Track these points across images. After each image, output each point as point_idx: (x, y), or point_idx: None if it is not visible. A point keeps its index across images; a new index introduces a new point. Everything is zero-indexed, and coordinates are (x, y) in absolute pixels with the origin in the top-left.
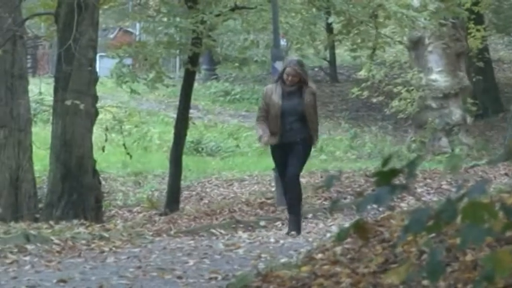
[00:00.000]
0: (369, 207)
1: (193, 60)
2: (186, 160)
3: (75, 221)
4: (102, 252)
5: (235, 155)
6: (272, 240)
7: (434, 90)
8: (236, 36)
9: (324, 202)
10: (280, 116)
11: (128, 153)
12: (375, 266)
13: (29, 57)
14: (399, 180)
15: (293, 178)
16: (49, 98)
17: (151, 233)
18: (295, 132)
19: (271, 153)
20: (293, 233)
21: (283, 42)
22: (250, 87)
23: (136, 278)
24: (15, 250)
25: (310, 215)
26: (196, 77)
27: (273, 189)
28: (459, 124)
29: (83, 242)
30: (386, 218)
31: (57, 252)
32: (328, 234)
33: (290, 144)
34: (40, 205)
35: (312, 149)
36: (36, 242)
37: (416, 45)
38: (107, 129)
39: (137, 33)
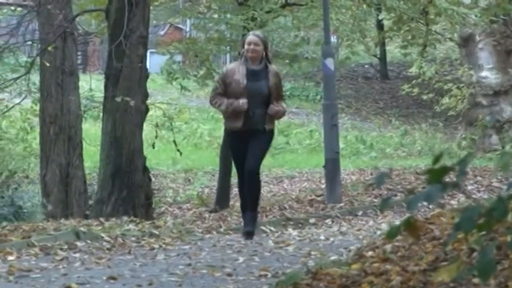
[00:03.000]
0: (419, 204)
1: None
2: None
3: (125, 218)
4: (152, 249)
5: (285, 151)
6: (322, 237)
7: (485, 87)
8: (286, 33)
9: (374, 200)
10: (246, 98)
11: (178, 150)
12: (425, 264)
13: (79, 53)
14: (450, 177)
15: (253, 172)
16: (99, 95)
17: (201, 230)
18: (259, 118)
19: (229, 142)
20: (249, 230)
21: (333, 39)
22: (300, 84)
23: (186, 275)
24: (65, 247)
25: (360, 213)
26: None
27: (323, 186)
28: (510, 121)
29: (133, 239)
30: (436, 216)
31: (107, 249)
32: (378, 232)
33: (252, 133)
34: (90, 202)
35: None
36: (86, 239)
37: (466, 42)
38: (157, 125)
39: (188, 29)
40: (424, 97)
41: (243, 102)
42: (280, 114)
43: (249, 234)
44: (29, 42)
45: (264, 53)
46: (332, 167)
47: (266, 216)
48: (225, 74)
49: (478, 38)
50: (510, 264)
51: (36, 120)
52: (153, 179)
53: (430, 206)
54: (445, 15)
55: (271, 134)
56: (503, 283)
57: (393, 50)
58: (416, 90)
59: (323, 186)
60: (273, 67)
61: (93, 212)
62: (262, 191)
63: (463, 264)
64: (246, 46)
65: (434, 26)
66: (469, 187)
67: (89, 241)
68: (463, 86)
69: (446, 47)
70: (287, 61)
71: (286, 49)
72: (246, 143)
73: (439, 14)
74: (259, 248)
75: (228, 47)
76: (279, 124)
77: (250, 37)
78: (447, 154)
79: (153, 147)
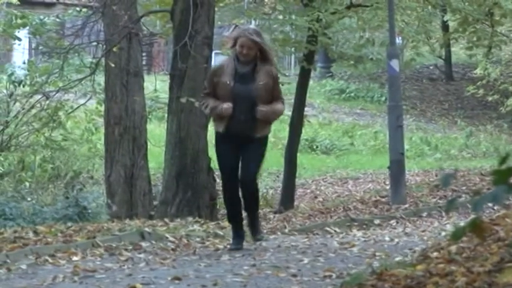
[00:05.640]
0: (484, 206)
1: (308, 58)
2: (301, 158)
3: (190, 219)
4: (217, 250)
5: (350, 153)
6: (387, 238)
7: None
8: (351, 34)
9: (438, 201)
10: (232, 101)
11: None
12: (490, 265)
13: (144, 54)
14: None
15: (248, 182)
16: (164, 96)
17: (266, 231)
18: (247, 124)
19: (215, 146)
20: (237, 247)
21: (398, 40)
22: (365, 85)
23: (251, 276)
24: (130, 247)
25: (424, 214)
26: (312, 74)
27: (388, 187)
28: None
29: (198, 239)
30: (501, 217)
31: (172, 249)
32: (443, 233)
33: (242, 140)
34: (155, 202)
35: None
36: (151, 239)
37: None
38: None
39: None
40: (489, 98)
41: (226, 107)
42: (270, 115)
43: (237, 250)
44: (94, 43)
45: (260, 55)
46: (397, 168)
47: (331, 217)
48: (213, 72)
49: None
50: None
51: (101, 121)
52: (217, 180)
53: (495, 207)
54: (511, 17)
55: (265, 140)
56: None
57: (458, 51)
58: (481, 91)
59: (387, 187)
60: (265, 66)
61: (157, 212)
62: (326, 192)
63: None
64: (238, 48)
65: (499, 27)
66: None
67: (153, 241)
68: None
69: (511, 49)
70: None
71: (351, 50)
72: (233, 149)
73: (505, 15)
74: (324, 248)
75: (293, 48)
76: (343, 125)
77: (244, 40)
78: None
79: None
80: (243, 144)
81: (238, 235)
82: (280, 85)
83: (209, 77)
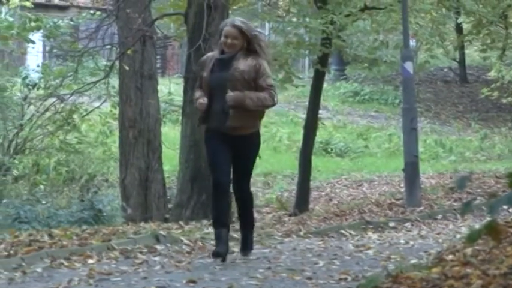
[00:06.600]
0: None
1: (322, 60)
2: (315, 161)
3: (205, 222)
4: (232, 252)
5: (364, 155)
6: (402, 241)
7: None
8: (365, 37)
9: (453, 203)
10: (209, 93)
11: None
12: (505, 268)
13: (158, 57)
14: None
15: (244, 199)
16: (178, 98)
17: (280, 234)
18: (225, 115)
19: (205, 142)
20: (220, 250)
21: (412, 42)
22: (379, 88)
23: (266, 278)
24: (145, 250)
25: (440, 216)
26: (326, 77)
27: (403, 190)
28: None
29: (213, 242)
30: None
31: (187, 252)
32: (458, 236)
33: (229, 137)
34: (169, 205)
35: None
36: (166, 242)
37: None
38: None
39: (266, 33)
40: (504, 101)
41: (201, 101)
42: (242, 100)
43: (218, 255)
44: (108, 46)
45: (247, 46)
46: (411, 170)
47: (346, 219)
48: (199, 65)
49: None
50: None
51: (115, 124)
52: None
53: (510, 210)
54: None
55: (256, 139)
56: None
57: (472, 53)
58: (495, 93)
59: (402, 189)
60: (250, 56)
61: (172, 215)
62: (341, 195)
63: None
64: (222, 38)
65: None
66: None
67: (168, 244)
68: None
69: None
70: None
71: (365, 53)
72: (224, 143)
73: None
74: (339, 251)
75: (307, 51)
76: (358, 127)
77: (228, 28)
78: None
79: None
80: (233, 145)
81: (222, 241)
82: (295, 87)
83: (199, 70)
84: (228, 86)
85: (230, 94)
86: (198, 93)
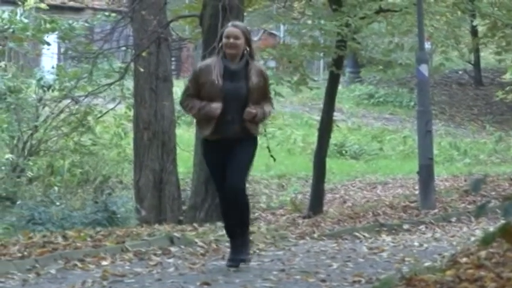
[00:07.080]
0: None
1: (337, 62)
2: (330, 163)
3: (219, 224)
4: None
5: (379, 157)
6: (416, 243)
7: None
8: (380, 39)
9: (467, 206)
10: (221, 101)
11: (272, 156)
12: None
13: (173, 59)
14: None
15: (236, 190)
16: None
17: (294, 236)
18: (236, 125)
19: (204, 153)
20: (241, 257)
21: (427, 45)
22: (394, 90)
23: (280, 281)
24: (159, 252)
25: (454, 219)
26: (341, 79)
27: (417, 192)
28: None
29: (227, 244)
30: None
31: (201, 254)
32: (472, 238)
33: (230, 142)
34: (183, 207)
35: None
36: (180, 244)
37: None
38: None
39: (281, 35)
40: None
41: (216, 106)
42: (258, 117)
43: (235, 261)
44: (123, 48)
45: (247, 48)
46: (426, 173)
47: (360, 222)
48: (199, 72)
49: None
50: None
51: (130, 126)
52: (246, 185)
53: None
54: None
55: (253, 141)
56: None
57: (487, 56)
58: (510, 96)
59: (417, 192)
60: (256, 64)
61: (187, 217)
62: (355, 197)
63: None
64: (224, 40)
65: None
66: None
67: (182, 246)
68: None
69: None
70: (381, 67)
71: (380, 55)
72: (223, 154)
73: None
74: (353, 253)
75: (322, 53)
76: (372, 130)
77: (229, 29)
78: None
79: None
80: (230, 147)
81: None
82: (310, 90)
83: (193, 77)
84: (246, 98)
85: (251, 111)
86: (197, 101)
